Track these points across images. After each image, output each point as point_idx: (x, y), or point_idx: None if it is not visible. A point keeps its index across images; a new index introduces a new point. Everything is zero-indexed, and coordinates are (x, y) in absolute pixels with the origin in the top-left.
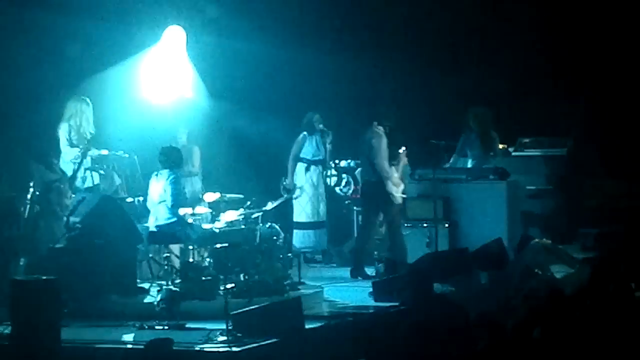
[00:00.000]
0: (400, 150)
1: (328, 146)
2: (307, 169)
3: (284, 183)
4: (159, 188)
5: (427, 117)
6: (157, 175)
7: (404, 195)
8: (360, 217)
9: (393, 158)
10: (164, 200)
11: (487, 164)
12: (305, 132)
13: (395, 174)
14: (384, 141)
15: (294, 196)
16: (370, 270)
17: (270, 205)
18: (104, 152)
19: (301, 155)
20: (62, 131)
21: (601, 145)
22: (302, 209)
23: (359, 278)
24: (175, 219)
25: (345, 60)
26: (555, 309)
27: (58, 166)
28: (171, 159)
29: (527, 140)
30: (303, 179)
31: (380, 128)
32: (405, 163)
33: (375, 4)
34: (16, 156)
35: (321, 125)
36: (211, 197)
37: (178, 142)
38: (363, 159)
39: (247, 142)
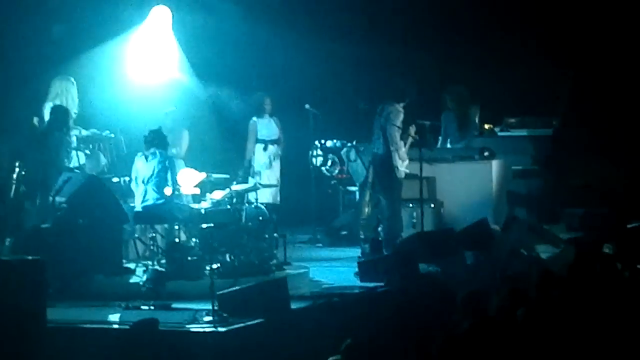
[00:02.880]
0: (411, 128)
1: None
2: (265, 149)
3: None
4: (147, 169)
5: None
6: (144, 155)
7: (407, 171)
8: (345, 197)
9: (403, 132)
10: (153, 180)
11: (463, 142)
12: (254, 117)
13: (402, 149)
14: (401, 116)
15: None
16: (356, 251)
17: (237, 186)
18: (85, 131)
19: (258, 137)
20: (46, 110)
21: (587, 124)
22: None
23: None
24: (163, 198)
25: (331, 39)
26: (544, 289)
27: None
28: (158, 140)
29: (512, 120)
30: (263, 158)
31: (400, 104)
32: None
33: None
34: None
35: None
36: (197, 176)
37: (165, 124)
38: (377, 132)
39: (233, 122)
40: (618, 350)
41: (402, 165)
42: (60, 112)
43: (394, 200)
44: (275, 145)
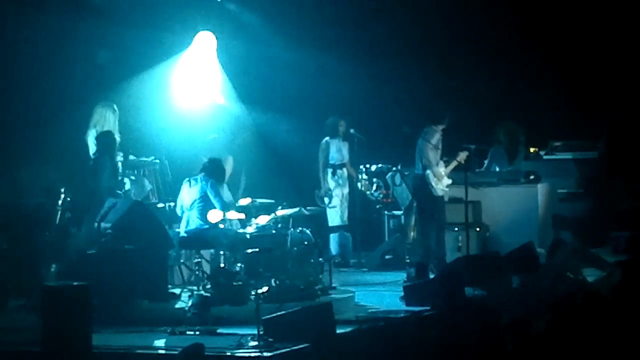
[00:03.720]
0: (462, 153)
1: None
2: (334, 174)
3: (319, 193)
4: (192, 194)
5: (458, 121)
6: (190, 181)
7: (446, 189)
8: (391, 222)
9: (445, 155)
10: (197, 206)
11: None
12: (327, 137)
13: (441, 169)
14: (436, 136)
15: (330, 205)
16: (401, 275)
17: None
18: (130, 157)
19: (329, 160)
20: (90, 137)
21: (633, 147)
22: (336, 214)
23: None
24: (207, 225)
25: (376, 65)
26: (590, 311)
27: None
28: (214, 169)
29: (558, 143)
30: (332, 184)
31: (437, 125)
32: (460, 164)
33: (404, 14)
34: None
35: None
36: (242, 202)
37: (209, 150)
38: (416, 155)
39: (278, 147)
40: None
41: (439, 184)
42: (107, 138)
43: (434, 221)
44: (344, 169)
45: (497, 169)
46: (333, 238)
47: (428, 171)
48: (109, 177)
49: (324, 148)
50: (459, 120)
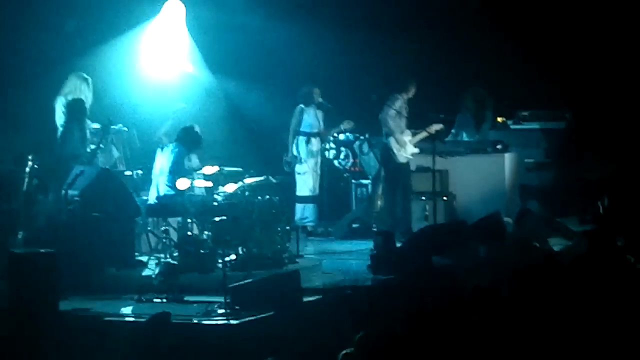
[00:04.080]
0: (434, 125)
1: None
2: (308, 142)
3: (286, 158)
4: (162, 161)
5: (425, 91)
6: (162, 148)
7: (409, 157)
8: (358, 190)
9: (417, 125)
10: (166, 173)
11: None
12: (302, 105)
13: (406, 137)
14: (398, 103)
15: (300, 172)
16: (368, 244)
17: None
18: (97, 125)
19: (300, 129)
20: (58, 104)
21: (600, 117)
22: (305, 183)
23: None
24: (174, 191)
25: (345, 34)
26: (552, 280)
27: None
28: (186, 137)
29: (525, 113)
30: (304, 152)
31: (401, 94)
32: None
33: None
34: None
35: (321, 99)
36: (210, 170)
37: (175, 120)
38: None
39: (246, 115)
40: (628, 342)
41: (401, 150)
42: (76, 106)
43: (400, 195)
44: (318, 138)
45: (465, 136)
46: (299, 208)
47: (390, 138)
48: (76, 145)
49: (297, 114)
50: (427, 89)
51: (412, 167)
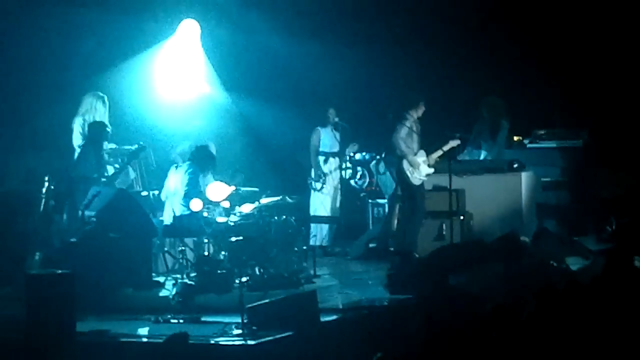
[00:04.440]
0: (451, 141)
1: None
2: (326, 162)
3: (312, 178)
4: (176, 180)
5: (442, 109)
6: (176, 167)
7: (423, 178)
8: (375, 210)
9: (422, 146)
10: (181, 194)
11: (499, 153)
12: (319, 126)
13: (420, 158)
14: (409, 124)
15: (319, 188)
16: (385, 264)
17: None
18: (113, 145)
19: (320, 148)
20: (76, 125)
21: (616, 136)
22: (321, 203)
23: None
24: (189, 211)
25: (360, 53)
26: (571, 300)
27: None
28: (200, 156)
29: (542, 131)
30: (323, 170)
31: (411, 113)
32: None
33: None
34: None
35: (337, 119)
36: (226, 190)
37: (191, 138)
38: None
39: (262, 135)
40: None
41: (415, 172)
42: (96, 129)
43: (410, 209)
44: (336, 158)
45: (482, 146)
46: (314, 227)
47: (403, 161)
48: (90, 168)
49: (315, 136)
50: (445, 106)
51: (429, 187)
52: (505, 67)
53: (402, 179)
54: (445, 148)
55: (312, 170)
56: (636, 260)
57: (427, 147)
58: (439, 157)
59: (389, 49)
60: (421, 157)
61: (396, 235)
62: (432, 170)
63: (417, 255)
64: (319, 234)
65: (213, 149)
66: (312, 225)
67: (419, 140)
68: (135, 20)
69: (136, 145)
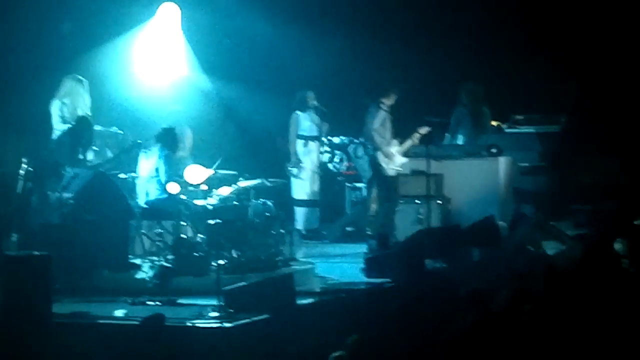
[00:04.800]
0: (421, 128)
1: (320, 123)
2: (305, 145)
3: (288, 164)
4: (149, 165)
5: (421, 94)
6: (146, 152)
7: (398, 169)
8: (352, 194)
9: (397, 134)
10: (155, 177)
11: (477, 140)
12: (297, 111)
13: (393, 148)
14: (380, 114)
15: (297, 176)
16: (362, 247)
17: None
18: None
19: (299, 132)
20: (54, 108)
21: (595, 121)
22: (302, 187)
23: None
24: (166, 195)
25: (341, 36)
26: (549, 286)
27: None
28: (167, 138)
29: (520, 116)
30: (301, 156)
31: (382, 102)
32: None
33: None
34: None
35: (315, 102)
36: (204, 173)
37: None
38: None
39: (241, 118)
40: (622, 347)
41: (388, 163)
42: (83, 124)
43: (386, 206)
44: (316, 142)
45: (461, 132)
46: (298, 211)
47: (377, 152)
48: (64, 156)
49: (293, 121)
50: (422, 92)
51: (407, 171)
52: (483, 51)
53: (377, 170)
54: (415, 137)
55: (291, 156)
56: (616, 244)
57: (399, 135)
58: (410, 146)
59: (369, 33)
60: (394, 147)
61: (373, 219)
62: (406, 159)
63: (393, 240)
64: (302, 217)
65: (190, 134)
66: (297, 208)
67: (392, 129)
68: (116, 3)
69: (120, 133)
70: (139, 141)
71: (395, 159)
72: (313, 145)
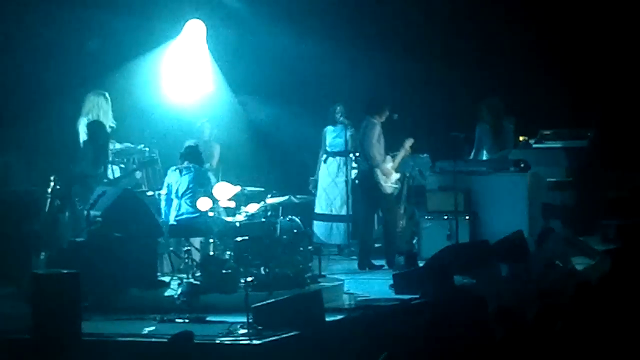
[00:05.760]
0: (407, 141)
1: (349, 138)
2: (325, 161)
3: (312, 178)
4: (183, 182)
5: (447, 109)
6: (178, 169)
7: (395, 186)
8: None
9: (390, 148)
10: (188, 194)
11: (502, 155)
12: (329, 126)
13: (388, 164)
14: (377, 130)
15: (316, 190)
16: (378, 262)
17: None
18: (119, 145)
19: (327, 149)
20: (81, 125)
21: (622, 136)
22: (316, 201)
23: (367, 269)
24: (195, 211)
25: (365, 51)
26: (581, 301)
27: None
28: (193, 156)
29: (547, 132)
30: (322, 171)
31: (376, 117)
32: (407, 154)
33: None
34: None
35: (342, 117)
36: (232, 190)
37: (201, 137)
38: (360, 149)
39: (268, 134)
40: None
41: (386, 181)
42: (96, 128)
43: (387, 224)
44: (339, 158)
45: (484, 148)
46: (326, 226)
47: (376, 170)
48: (89, 165)
49: (323, 136)
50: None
51: (435, 187)
52: (511, 66)
53: (375, 189)
54: (403, 151)
55: (316, 171)
56: None
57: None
58: (400, 161)
59: (395, 48)
60: (389, 163)
61: (402, 235)
62: (399, 175)
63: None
64: (324, 232)
65: (218, 149)
66: (321, 223)
67: (385, 145)
68: (142, 20)
69: (147, 150)
70: (154, 155)
71: (392, 176)
72: (333, 160)
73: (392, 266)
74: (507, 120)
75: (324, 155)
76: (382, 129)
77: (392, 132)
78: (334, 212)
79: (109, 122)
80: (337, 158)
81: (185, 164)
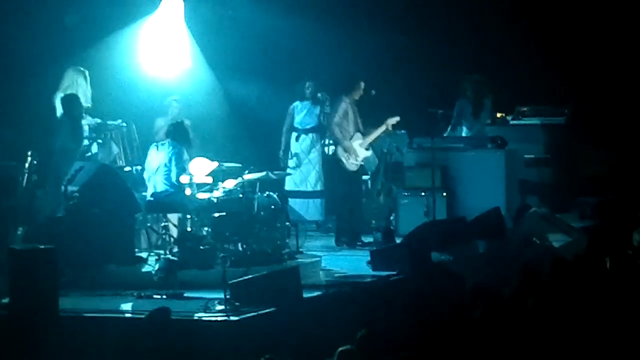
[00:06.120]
0: (390, 119)
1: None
2: (297, 138)
3: (280, 156)
4: (159, 159)
5: (425, 86)
6: (157, 145)
7: (360, 163)
8: None
9: (372, 125)
10: (163, 170)
11: (480, 131)
12: (297, 102)
13: (356, 142)
14: (342, 107)
15: (292, 166)
16: (368, 239)
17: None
18: (97, 120)
19: (294, 125)
20: (58, 100)
21: (599, 113)
22: (290, 177)
23: (344, 245)
24: (173, 189)
25: (344, 28)
26: (558, 278)
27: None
28: (178, 133)
29: (525, 108)
30: (293, 147)
31: (349, 95)
32: (388, 131)
33: None
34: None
35: (314, 93)
36: (209, 166)
37: (168, 114)
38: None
39: (246, 111)
40: (628, 339)
41: (348, 158)
42: (70, 101)
43: (349, 202)
44: (311, 134)
45: (463, 123)
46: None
47: (338, 147)
48: (66, 139)
49: (290, 112)
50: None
51: (412, 163)
52: (487, 42)
53: (337, 165)
54: (381, 129)
55: (281, 148)
56: (635, 235)
57: (366, 128)
58: (375, 139)
59: (373, 25)
60: (357, 140)
61: (379, 212)
62: (369, 153)
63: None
64: (308, 208)
65: (188, 124)
66: (297, 200)
67: (357, 123)
68: None
69: (124, 125)
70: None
71: (358, 152)
72: (306, 137)
73: (353, 246)
74: (487, 98)
75: (295, 133)
76: (360, 106)
77: (374, 109)
78: (309, 189)
79: (87, 100)
80: (310, 135)
81: (167, 140)
